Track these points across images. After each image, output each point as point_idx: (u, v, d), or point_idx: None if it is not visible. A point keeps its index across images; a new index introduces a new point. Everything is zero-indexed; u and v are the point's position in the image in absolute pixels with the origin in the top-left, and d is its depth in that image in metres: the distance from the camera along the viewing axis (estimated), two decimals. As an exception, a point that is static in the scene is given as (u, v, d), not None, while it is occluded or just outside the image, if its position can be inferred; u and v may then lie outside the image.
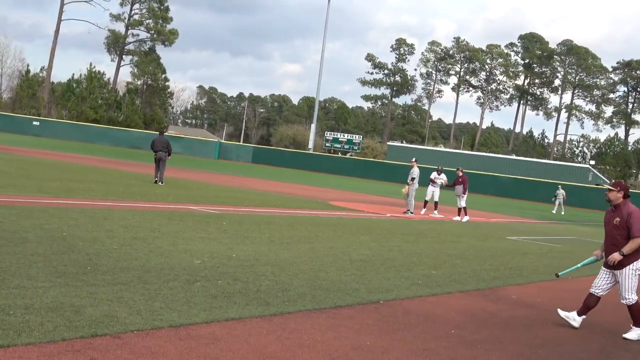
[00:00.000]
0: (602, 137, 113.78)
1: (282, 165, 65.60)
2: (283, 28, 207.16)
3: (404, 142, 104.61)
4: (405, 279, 9.34)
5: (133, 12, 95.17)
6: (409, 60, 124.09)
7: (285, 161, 67.63)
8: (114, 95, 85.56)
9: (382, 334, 6.33)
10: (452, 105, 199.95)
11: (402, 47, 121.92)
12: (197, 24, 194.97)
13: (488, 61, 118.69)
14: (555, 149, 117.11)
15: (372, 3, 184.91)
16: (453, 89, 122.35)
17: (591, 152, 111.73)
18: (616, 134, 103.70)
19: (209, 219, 13.73)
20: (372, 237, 14.07)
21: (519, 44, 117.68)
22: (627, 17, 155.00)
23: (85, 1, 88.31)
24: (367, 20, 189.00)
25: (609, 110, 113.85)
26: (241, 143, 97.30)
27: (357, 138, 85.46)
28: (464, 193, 23.22)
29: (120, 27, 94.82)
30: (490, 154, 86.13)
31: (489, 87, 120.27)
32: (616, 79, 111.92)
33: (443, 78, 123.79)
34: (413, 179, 22.89)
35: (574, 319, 7.73)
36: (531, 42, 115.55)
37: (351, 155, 78.99)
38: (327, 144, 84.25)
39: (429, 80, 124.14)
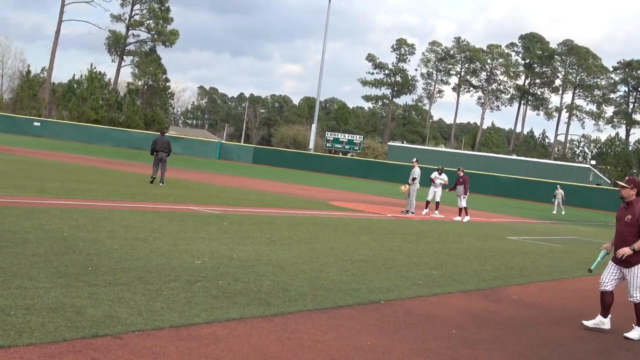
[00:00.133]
0: (603, 137, 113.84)
1: (283, 166, 65.61)
2: (283, 28, 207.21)
3: (405, 142, 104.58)
4: (406, 279, 9.34)
5: (134, 12, 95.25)
6: (409, 61, 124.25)
7: (286, 161, 67.65)
8: (115, 95, 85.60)
9: (383, 334, 6.33)
10: (453, 106, 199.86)
11: (402, 47, 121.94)
12: (197, 24, 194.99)
13: (489, 61, 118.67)
14: (556, 149, 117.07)
15: (372, 3, 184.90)
16: (454, 89, 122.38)
17: (592, 152, 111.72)
18: (617, 133, 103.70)
19: (210, 219, 13.74)
20: (373, 237, 14.07)
21: (519, 44, 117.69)
22: (628, 17, 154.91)
23: (86, 2, 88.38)
24: (368, 21, 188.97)
25: (609, 110, 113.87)
26: (242, 143, 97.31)
27: (357, 138, 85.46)
28: (465, 193, 23.22)
29: (121, 28, 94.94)
30: (491, 154, 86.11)
31: (490, 87, 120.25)
32: (617, 78, 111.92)
33: (444, 78, 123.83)
34: (414, 179, 22.89)
35: (602, 322, 7.69)
36: (532, 42, 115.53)
37: (352, 156, 78.99)
38: (327, 144, 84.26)
39: (429, 81, 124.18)
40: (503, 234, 18.98)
